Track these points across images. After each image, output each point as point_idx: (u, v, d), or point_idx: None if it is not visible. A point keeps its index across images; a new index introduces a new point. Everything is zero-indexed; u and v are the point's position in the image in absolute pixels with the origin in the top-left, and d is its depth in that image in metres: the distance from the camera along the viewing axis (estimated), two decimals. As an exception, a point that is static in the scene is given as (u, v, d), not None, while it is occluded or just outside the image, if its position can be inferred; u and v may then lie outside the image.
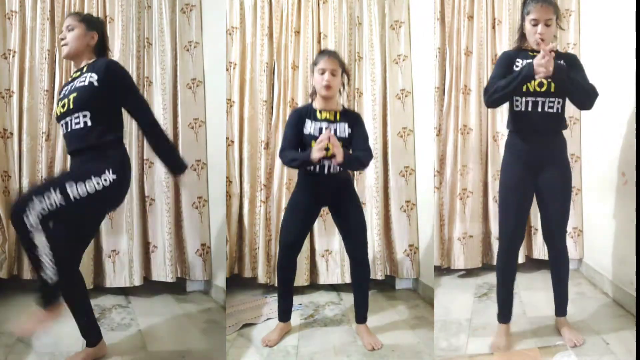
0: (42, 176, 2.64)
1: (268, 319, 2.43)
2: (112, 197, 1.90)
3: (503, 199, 2.10)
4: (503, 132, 2.82)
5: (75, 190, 1.74)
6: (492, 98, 1.97)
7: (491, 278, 2.82)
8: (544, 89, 1.95)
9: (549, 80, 1.91)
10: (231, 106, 2.79)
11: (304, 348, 2.16)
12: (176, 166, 2.04)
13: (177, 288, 2.78)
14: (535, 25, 1.96)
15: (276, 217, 2.77)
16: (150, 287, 2.75)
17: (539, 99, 1.97)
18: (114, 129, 1.91)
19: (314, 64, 2.13)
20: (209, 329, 2.36)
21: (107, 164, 1.84)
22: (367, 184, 2.80)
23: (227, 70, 2.77)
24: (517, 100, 2.00)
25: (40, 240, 1.73)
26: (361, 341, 2.18)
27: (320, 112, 2.12)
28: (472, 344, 2.14)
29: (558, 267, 2.13)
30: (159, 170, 2.71)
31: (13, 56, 2.67)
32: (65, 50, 1.96)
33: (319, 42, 2.81)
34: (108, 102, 1.88)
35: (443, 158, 2.89)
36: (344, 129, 2.11)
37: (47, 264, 1.75)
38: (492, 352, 2.05)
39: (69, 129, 1.89)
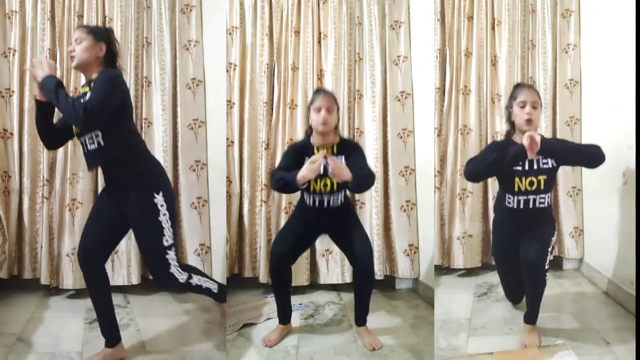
0: (43, 177, 2.65)
1: (268, 319, 2.43)
2: (172, 202, 1.99)
3: (496, 258, 2.40)
4: (503, 132, 2.80)
5: (167, 231, 1.91)
6: (479, 166, 2.08)
7: (491, 278, 2.83)
8: (534, 187, 2.07)
9: (539, 178, 2.06)
10: (231, 107, 2.78)
11: (304, 348, 2.16)
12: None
13: (177, 288, 2.78)
14: (523, 107, 2.08)
15: (276, 217, 2.77)
16: (149, 287, 2.75)
17: (530, 197, 2.09)
18: (128, 139, 1.91)
19: (310, 103, 2.15)
20: (209, 329, 2.36)
21: (149, 187, 1.90)
22: (367, 184, 2.80)
23: (227, 71, 2.77)
24: (509, 198, 2.12)
25: (196, 279, 2.01)
26: (361, 341, 2.18)
27: (317, 148, 2.14)
28: (472, 344, 2.14)
29: None
30: (159, 170, 2.71)
31: (13, 55, 2.67)
32: (74, 61, 1.92)
33: (319, 42, 2.80)
34: (111, 113, 1.82)
35: (443, 158, 2.89)
36: (340, 162, 2.07)
37: (212, 286, 2.08)
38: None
39: (86, 150, 1.91)
